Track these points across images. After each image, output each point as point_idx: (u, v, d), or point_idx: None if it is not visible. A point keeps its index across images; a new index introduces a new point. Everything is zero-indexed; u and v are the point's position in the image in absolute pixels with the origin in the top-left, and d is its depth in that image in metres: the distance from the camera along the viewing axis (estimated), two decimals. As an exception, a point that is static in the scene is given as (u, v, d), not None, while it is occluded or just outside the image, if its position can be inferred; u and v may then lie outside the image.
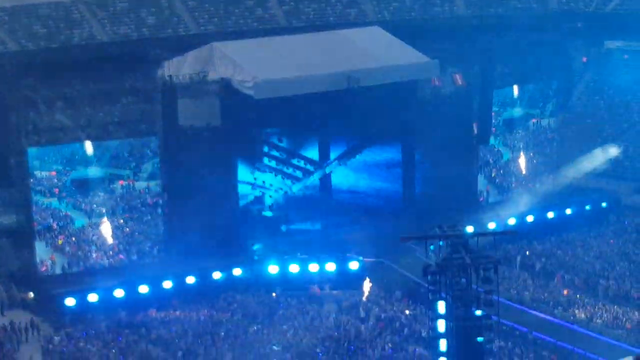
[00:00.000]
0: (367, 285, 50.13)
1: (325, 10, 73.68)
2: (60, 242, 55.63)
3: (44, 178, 58.78)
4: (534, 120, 69.71)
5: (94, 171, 58.29)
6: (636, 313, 48.33)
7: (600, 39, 71.97)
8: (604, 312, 49.08)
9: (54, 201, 57.74)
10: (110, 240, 55.58)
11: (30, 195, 53.67)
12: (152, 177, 59.10)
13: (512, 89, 66.97)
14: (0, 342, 47.22)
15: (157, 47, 59.85)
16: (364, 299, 49.43)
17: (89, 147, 57.32)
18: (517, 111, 68.89)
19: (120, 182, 59.28)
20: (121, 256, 55.11)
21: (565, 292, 51.03)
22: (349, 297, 51.89)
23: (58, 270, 54.00)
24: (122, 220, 57.38)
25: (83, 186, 58.23)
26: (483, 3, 75.61)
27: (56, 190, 58.35)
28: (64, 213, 57.71)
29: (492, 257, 35.02)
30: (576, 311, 49.29)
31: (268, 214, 58.66)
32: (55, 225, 56.73)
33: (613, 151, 61.94)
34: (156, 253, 55.78)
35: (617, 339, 46.40)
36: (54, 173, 58.75)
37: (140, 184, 59.82)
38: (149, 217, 57.81)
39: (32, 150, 55.14)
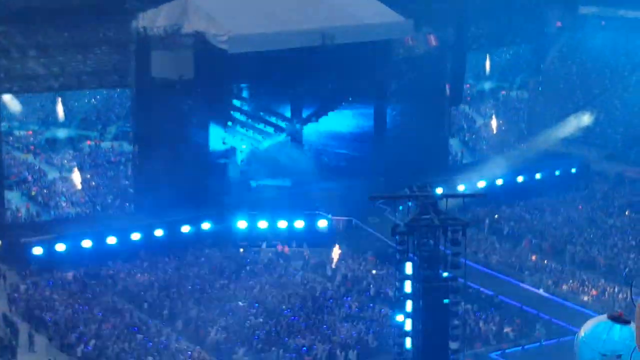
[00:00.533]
0: (336, 251, 50.37)
1: None
2: (33, 192, 56.26)
3: (22, 137, 60.62)
4: (503, 92, 69.92)
5: (65, 132, 59.84)
6: (602, 280, 48.87)
7: (575, 4, 72.01)
8: (570, 278, 49.71)
9: (29, 157, 59.00)
10: (78, 187, 56.05)
11: (1, 146, 53.37)
12: (116, 138, 60.59)
13: (485, 62, 67.14)
14: None
15: None
16: (332, 265, 49.65)
17: (60, 110, 58.67)
18: (488, 84, 68.84)
19: (88, 142, 60.60)
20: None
21: (533, 257, 51.44)
22: (316, 255, 52.30)
23: (35, 218, 54.53)
24: (88, 175, 58.10)
25: (55, 144, 59.61)
26: None
27: (32, 147, 59.66)
28: (37, 167, 58.79)
29: (461, 220, 35.45)
30: (543, 276, 49.77)
31: (252, 184, 58.73)
32: (30, 178, 57.80)
33: (586, 119, 62.32)
34: (118, 205, 56.12)
35: (582, 305, 46.99)
36: (30, 132, 60.26)
37: (106, 144, 61.14)
38: (113, 174, 58.76)
39: (11, 114, 56.16)
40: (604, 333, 3.31)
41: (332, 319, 45.78)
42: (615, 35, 69.56)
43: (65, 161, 59.07)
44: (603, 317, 3.22)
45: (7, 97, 54.86)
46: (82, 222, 52.86)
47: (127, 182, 56.52)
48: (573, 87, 67.17)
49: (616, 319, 3.26)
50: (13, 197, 55.30)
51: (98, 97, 61.51)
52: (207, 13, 55.62)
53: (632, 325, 3.07)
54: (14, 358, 42.34)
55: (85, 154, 60.51)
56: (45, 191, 57.55)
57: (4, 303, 46.74)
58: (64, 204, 56.17)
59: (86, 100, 62.19)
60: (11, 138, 59.00)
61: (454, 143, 62.75)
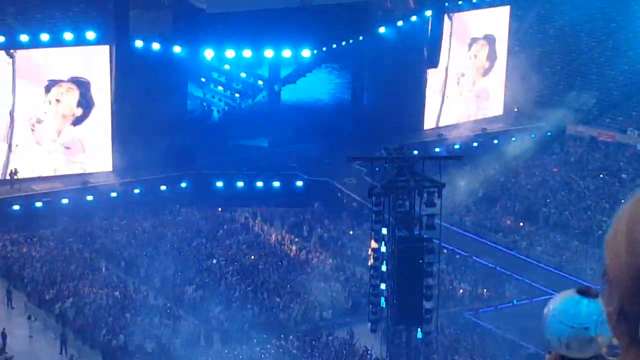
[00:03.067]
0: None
1: None
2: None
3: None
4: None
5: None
6: (575, 241, 49.47)
7: None
8: (543, 239, 50.33)
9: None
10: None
11: None
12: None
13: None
14: None
15: None
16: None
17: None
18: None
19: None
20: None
21: (507, 222, 51.91)
22: (292, 214, 52.69)
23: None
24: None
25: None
26: None
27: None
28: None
29: (436, 181, 35.79)
30: (517, 238, 50.42)
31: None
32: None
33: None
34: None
35: (555, 267, 47.69)
36: None
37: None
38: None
39: None
40: (572, 307, 3.24)
41: (307, 279, 46.19)
42: (592, 1, 69.69)
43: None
44: (571, 292, 3.39)
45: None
46: (61, 179, 52.75)
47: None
48: (550, 50, 67.15)
49: (584, 293, 3.19)
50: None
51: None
52: None
53: (599, 300, 3.08)
54: None
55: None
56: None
57: None
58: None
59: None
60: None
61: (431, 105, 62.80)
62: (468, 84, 63.27)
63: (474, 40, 62.81)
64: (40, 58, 52.54)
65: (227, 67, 59.76)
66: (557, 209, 52.99)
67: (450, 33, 61.14)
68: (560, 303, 3.27)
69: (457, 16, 61.35)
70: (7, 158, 52.26)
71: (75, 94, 53.14)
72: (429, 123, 61.30)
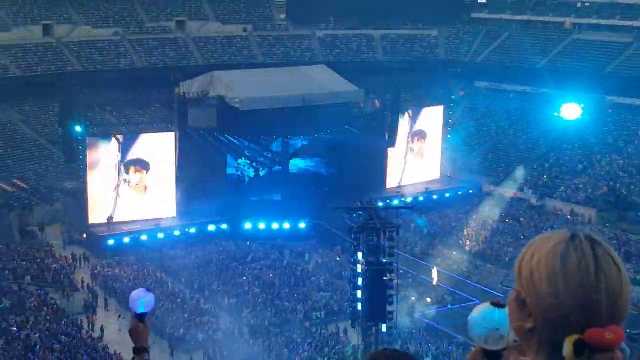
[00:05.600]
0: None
1: (289, 52, 74.57)
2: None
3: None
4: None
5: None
6: (489, 265, 48.93)
7: (472, 79, 72.30)
8: (467, 263, 49.53)
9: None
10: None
11: (85, 168, 52.19)
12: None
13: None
14: (62, 266, 47.48)
15: (176, 73, 59.51)
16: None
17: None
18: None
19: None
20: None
21: (444, 251, 50.80)
22: (298, 247, 52.18)
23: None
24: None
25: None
26: (395, 51, 76.55)
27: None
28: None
29: (395, 224, 36.03)
30: (450, 262, 49.52)
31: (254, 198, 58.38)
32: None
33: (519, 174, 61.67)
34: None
35: (477, 283, 46.92)
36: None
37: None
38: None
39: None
40: (488, 314, 3.24)
41: (308, 290, 46.08)
42: (499, 101, 70.06)
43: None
44: (487, 304, 3.33)
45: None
46: (141, 223, 52.49)
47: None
48: (471, 135, 66.91)
49: (496, 305, 3.23)
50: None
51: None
52: (225, 83, 55.88)
53: (506, 309, 2.89)
54: (95, 314, 42.63)
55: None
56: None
57: (88, 277, 46.91)
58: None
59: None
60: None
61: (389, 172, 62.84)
62: (414, 158, 63.12)
63: (417, 132, 62.82)
64: (128, 141, 52.59)
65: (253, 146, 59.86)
66: (478, 241, 52.69)
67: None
68: (479, 312, 3.26)
69: (407, 113, 61.26)
70: (114, 206, 52.15)
71: (148, 168, 53.05)
72: (390, 184, 60.83)
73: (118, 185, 52.32)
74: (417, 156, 63.02)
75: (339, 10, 75.25)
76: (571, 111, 64.54)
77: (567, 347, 2.18)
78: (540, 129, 65.63)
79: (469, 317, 3.26)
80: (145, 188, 53.26)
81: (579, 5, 74.74)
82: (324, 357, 39.19)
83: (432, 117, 62.87)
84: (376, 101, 61.61)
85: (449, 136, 63.83)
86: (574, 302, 2.18)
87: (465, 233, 54.25)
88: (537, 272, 2.24)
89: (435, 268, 48.40)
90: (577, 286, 2.18)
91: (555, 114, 64.91)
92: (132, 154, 52.51)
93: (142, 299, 4.10)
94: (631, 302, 2.27)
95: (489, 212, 57.24)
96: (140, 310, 4.22)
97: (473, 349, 3.29)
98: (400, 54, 75.67)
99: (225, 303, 43.64)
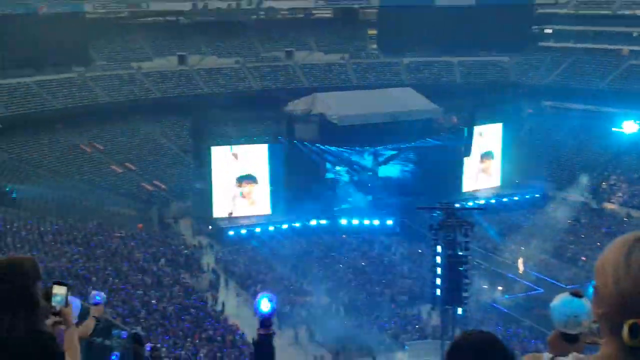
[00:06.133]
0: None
1: (379, 77, 74.15)
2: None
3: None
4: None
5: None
6: (553, 259, 47.19)
7: (539, 98, 69.98)
8: (536, 257, 47.33)
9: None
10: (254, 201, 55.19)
11: (210, 172, 52.64)
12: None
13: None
14: (192, 252, 48.52)
15: (285, 94, 60.24)
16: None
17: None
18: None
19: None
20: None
21: (512, 246, 49.24)
22: (385, 240, 51.64)
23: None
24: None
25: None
26: (471, 75, 74.90)
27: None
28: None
29: (469, 222, 35.11)
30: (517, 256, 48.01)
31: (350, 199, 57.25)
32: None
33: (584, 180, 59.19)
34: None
35: (539, 273, 45.24)
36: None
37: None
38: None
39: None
40: (568, 303, 3.22)
41: (394, 277, 45.56)
42: (563, 118, 67.32)
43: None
44: (567, 294, 3.34)
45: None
46: (255, 218, 52.96)
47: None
48: (538, 147, 64.59)
49: (575, 294, 3.23)
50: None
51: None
52: (326, 103, 55.96)
53: (584, 300, 3.12)
54: (217, 292, 43.27)
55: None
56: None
57: (212, 261, 47.65)
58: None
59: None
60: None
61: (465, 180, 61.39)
62: (483, 174, 61.36)
63: (486, 153, 60.88)
64: (242, 154, 52.99)
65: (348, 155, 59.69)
66: (542, 239, 49.59)
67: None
68: (560, 300, 3.20)
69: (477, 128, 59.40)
70: (233, 204, 52.85)
71: (256, 182, 53.37)
72: (466, 188, 59.63)
73: (235, 197, 53.10)
74: (486, 173, 61.32)
75: (421, 40, 74.41)
76: (629, 127, 62.09)
77: (624, 329, 2.20)
78: (601, 142, 62.94)
79: (551, 305, 3.21)
80: (254, 202, 53.50)
81: (634, 34, 72.01)
82: (407, 333, 38.79)
83: (493, 133, 60.85)
84: (453, 117, 60.57)
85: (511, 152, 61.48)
86: (632, 290, 2.21)
87: (531, 231, 52.05)
88: (607, 264, 2.29)
89: (520, 259, 47.04)
90: (636, 277, 2.21)
91: (615, 129, 62.37)
92: (245, 167, 52.92)
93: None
94: None
95: (553, 213, 55.13)
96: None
97: (552, 332, 3.27)
98: (475, 77, 74.33)
99: (324, 286, 43.57)
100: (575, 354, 2.52)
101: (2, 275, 3.12)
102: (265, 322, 5.56)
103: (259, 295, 5.46)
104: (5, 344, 3.04)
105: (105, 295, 6.53)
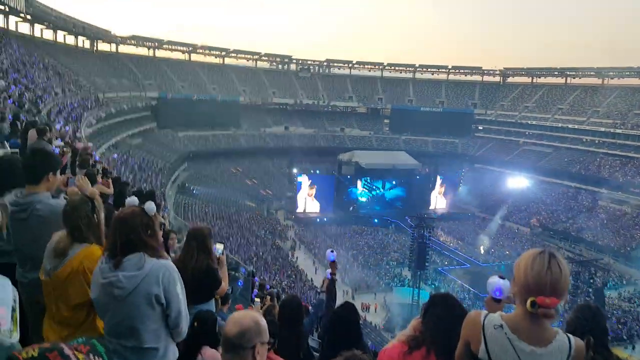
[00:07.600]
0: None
1: (389, 146, 74.11)
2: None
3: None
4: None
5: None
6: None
7: (473, 163, 67.97)
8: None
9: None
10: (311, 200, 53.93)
11: (295, 187, 53.45)
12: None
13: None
14: (283, 229, 47.99)
15: (338, 150, 61.67)
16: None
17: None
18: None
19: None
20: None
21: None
22: (385, 231, 51.08)
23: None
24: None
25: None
26: (437, 147, 73.99)
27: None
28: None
29: (431, 225, 34.81)
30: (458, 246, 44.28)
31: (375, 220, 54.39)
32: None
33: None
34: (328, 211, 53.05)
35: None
36: None
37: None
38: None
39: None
40: (496, 280, 2.66)
41: (389, 251, 44.70)
42: (485, 175, 63.53)
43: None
44: (496, 275, 2.70)
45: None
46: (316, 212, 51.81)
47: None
48: (469, 191, 57.76)
49: (500, 277, 2.64)
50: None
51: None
52: (358, 155, 56.67)
53: (506, 281, 2.54)
54: (294, 251, 42.75)
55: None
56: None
57: (293, 234, 47.23)
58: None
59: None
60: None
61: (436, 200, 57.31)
62: (440, 196, 59.14)
63: (442, 183, 57.99)
64: (312, 176, 53.29)
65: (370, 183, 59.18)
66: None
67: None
68: (493, 278, 2.76)
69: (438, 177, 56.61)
70: (304, 203, 53.44)
71: (315, 188, 52.79)
72: (431, 206, 58.44)
73: (306, 197, 54.20)
74: (440, 196, 60.03)
75: (413, 127, 76.62)
76: (520, 182, 58.62)
77: (528, 303, 2.07)
78: (502, 190, 59.04)
79: (488, 281, 2.77)
80: (314, 198, 54.15)
81: (527, 133, 68.13)
82: (394, 281, 37.97)
83: (447, 178, 59.34)
84: (426, 168, 60.08)
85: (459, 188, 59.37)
86: (532, 281, 2.07)
87: (466, 232, 49.46)
88: (521, 264, 2.13)
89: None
90: (536, 273, 2.06)
91: (510, 182, 59.32)
92: (312, 183, 54.20)
93: None
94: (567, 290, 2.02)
95: (480, 224, 52.36)
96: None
97: (487, 296, 2.82)
98: (439, 149, 74.38)
99: (350, 252, 43.44)
100: (500, 312, 2.25)
101: (192, 236, 3.39)
102: (332, 264, 4.70)
103: (329, 250, 4.58)
104: (195, 269, 3.22)
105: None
